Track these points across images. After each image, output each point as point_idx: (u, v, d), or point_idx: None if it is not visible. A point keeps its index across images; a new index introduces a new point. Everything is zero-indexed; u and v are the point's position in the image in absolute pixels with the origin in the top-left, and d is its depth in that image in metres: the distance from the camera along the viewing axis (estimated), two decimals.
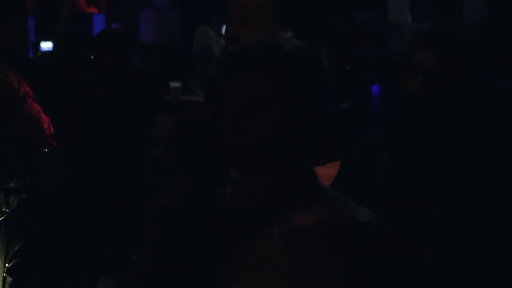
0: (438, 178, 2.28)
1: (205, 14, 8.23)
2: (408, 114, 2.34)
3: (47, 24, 8.58)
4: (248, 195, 1.67)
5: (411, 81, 2.33)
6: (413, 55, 2.35)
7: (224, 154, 1.65)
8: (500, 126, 2.40)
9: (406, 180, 2.31)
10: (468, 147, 2.32)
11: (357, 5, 7.10)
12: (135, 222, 3.00)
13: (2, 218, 3.06)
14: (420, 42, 2.36)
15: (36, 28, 8.83)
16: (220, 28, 7.95)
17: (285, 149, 1.63)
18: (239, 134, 1.62)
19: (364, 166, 2.45)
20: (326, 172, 2.40)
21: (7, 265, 3.04)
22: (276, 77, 1.63)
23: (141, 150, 3.10)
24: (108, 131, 4.55)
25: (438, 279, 2.16)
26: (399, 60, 2.43)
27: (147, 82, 4.91)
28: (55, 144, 3.21)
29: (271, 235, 1.59)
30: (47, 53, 7.92)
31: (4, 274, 3.05)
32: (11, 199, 3.06)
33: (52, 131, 3.20)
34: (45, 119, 3.18)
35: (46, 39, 8.14)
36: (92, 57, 4.99)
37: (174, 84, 6.81)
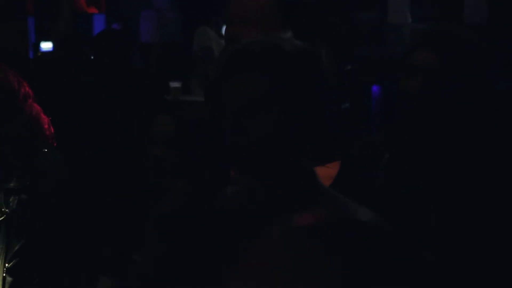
0: (438, 178, 2.28)
1: (205, 14, 8.23)
2: (408, 114, 2.34)
3: (47, 24, 8.58)
4: (248, 195, 1.67)
5: (411, 81, 2.32)
6: (413, 55, 2.34)
7: (224, 154, 1.65)
8: (500, 126, 2.39)
9: (406, 180, 2.31)
10: (468, 147, 2.32)
11: (357, 5, 7.10)
12: (135, 222, 3.00)
13: (2, 218, 3.06)
14: (420, 42, 2.36)
15: (36, 28, 8.83)
16: (220, 28, 7.95)
17: (285, 149, 1.63)
18: (239, 134, 1.62)
19: (364, 166, 2.45)
20: (326, 172, 2.40)
21: (7, 265, 3.04)
22: (276, 77, 1.63)
23: (141, 150, 3.10)
24: (108, 131, 4.55)
25: (438, 279, 2.16)
26: (399, 60, 2.43)
27: (147, 82, 4.91)
28: (55, 144, 3.21)
29: (271, 235, 1.59)
30: (47, 53, 7.92)
31: (4, 274, 3.05)
32: (11, 199, 3.06)
33: (52, 131, 3.20)
34: (45, 119, 3.18)
35: (46, 39, 8.14)
36: (92, 57, 4.99)
37: (174, 84, 6.81)
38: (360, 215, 1.63)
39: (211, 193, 1.75)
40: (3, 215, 3.06)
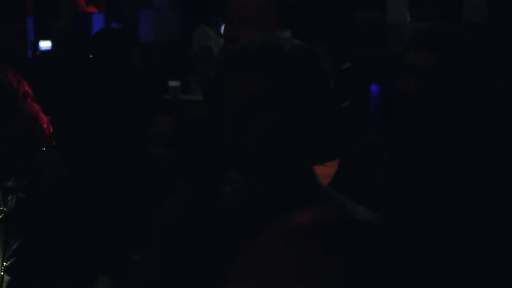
0: (438, 178, 2.28)
1: (205, 14, 8.23)
2: (408, 114, 2.34)
3: (46, 23, 8.58)
4: (248, 195, 1.67)
5: (407, 80, 2.32)
6: (408, 55, 2.34)
7: (223, 154, 1.65)
8: (499, 127, 2.40)
9: (406, 180, 2.31)
10: (468, 147, 2.31)
11: (357, 5, 7.10)
12: (133, 221, 3.00)
13: (0, 217, 3.06)
14: (415, 42, 2.36)
15: (35, 27, 8.83)
16: (220, 28, 7.95)
17: (285, 149, 1.63)
18: (238, 134, 1.61)
19: (363, 165, 2.45)
20: (325, 171, 2.40)
21: (4, 263, 3.04)
22: (275, 77, 1.62)
23: (140, 150, 3.10)
24: (107, 131, 4.55)
25: (438, 279, 2.16)
26: (397, 59, 2.43)
27: (146, 82, 4.91)
28: (54, 143, 3.21)
29: (271, 235, 1.58)
30: (45, 52, 7.92)
31: (2, 273, 3.04)
32: (9, 198, 3.06)
33: (51, 130, 3.20)
34: (44, 119, 3.18)
35: (45, 38, 8.14)
36: (91, 56, 4.99)
37: (173, 83, 6.80)
38: (360, 214, 1.63)
39: (211, 193, 1.75)
40: (1, 214, 3.06)
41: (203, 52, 7.61)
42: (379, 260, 1.57)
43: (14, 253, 3.05)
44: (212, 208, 1.72)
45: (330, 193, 1.70)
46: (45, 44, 8.11)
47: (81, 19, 8.90)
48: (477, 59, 2.33)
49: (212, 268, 1.64)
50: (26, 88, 3.18)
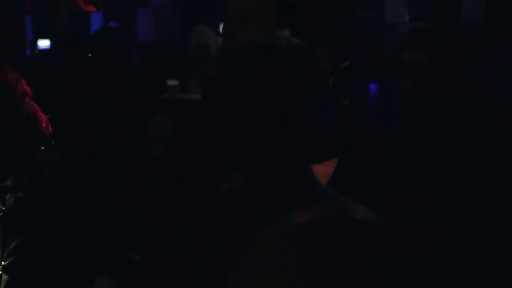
0: (438, 178, 2.28)
1: (203, 13, 8.22)
2: (407, 114, 2.34)
3: (45, 22, 8.57)
4: (248, 195, 1.67)
5: (403, 80, 2.32)
6: (403, 55, 2.34)
7: (222, 154, 1.64)
8: (499, 127, 2.39)
9: (406, 180, 2.31)
10: (467, 147, 2.31)
11: (357, 4, 7.09)
12: (132, 220, 3.00)
13: None
14: (409, 41, 2.36)
15: (34, 26, 8.81)
16: (218, 27, 7.93)
17: (285, 148, 1.62)
18: (237, 134, 1.61)
19: (362, 165, 2.44)
20: (323, 170, 2.40)
21: (3, 263, 3.03)
22: (274, 76, 1.62)
23: (140, 149, 3.09)
24: (106, 130, 4.55)
25: (438, 279, 2.16)
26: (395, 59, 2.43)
27: (145, 81, 4.91)
28: (53, 142, 3.21)
29: (271, 234, 1.58)
30: (44, 51, 7.91)
31: (0, 272, 3.04)
32: (7, 197, 3.06)
33: (50, 129, 3.19)
34: (43, 118, 3.18)
35: (43, 37, 8.13)
36: (89, 55, 4.99)
37: (172, 82, 6.80)
38: (359, 214, 1.63)
39: (211, 193, 1.74)
40: None
41: (202, 51, 7.60)
42: (379, 260, 1.57)
43: (12, 252, 3.04)
44: (212, 208, 1.71)
45: (329, 192, 1.70)
46: (43, 43, 8.11)
47: (80, 18, 8.89)
48: (475, 58, 2.33)
49: (212, 268, 1.63)
50: (25, 87, 3.18)
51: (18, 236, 3.04)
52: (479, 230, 2.23)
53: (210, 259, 1.64)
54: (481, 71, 2.36)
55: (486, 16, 6.84)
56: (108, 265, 3.03)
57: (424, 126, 2.31)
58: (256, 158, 1.61)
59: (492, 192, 2.27)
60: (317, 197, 1.66)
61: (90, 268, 3.14)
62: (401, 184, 2.31)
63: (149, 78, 5.36)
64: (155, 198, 2.86)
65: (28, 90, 3.19)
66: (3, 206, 3.05)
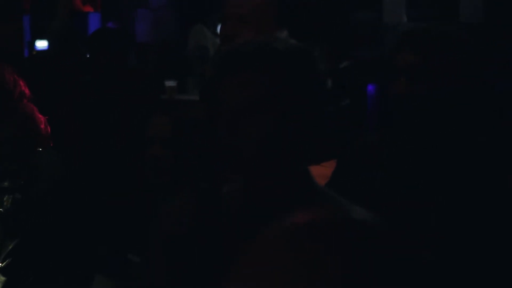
0: (438, 178, 2.28)
1: (202, 14, 8.22)
2: (406, 114, 2.34)
3: (43, 23, 8.56)
4: (246, 196, 1.66)
5: (397, 81, 2.33)
6: (396, 56, 2.35)
7: (219, 155, 1.64)
8: (499, 127, 2.39)
9: (406, 180, 2.31)
10: (467, 147, 2.31)
11: (356, 5, 7.09)
12: (130, 221, 3.00)
13: None
14: (401, 43, 2.36)
15: (31, 27, 8.81)
16: (216, 28, 7.93)
17: (283, 150, 1.62)
18: (235, 136, 1.61)
19: (361, 165, 2.44)
20: (321, 171, 2.39)
21: (0, 264, 3.03)
22: (270, 77, 1.61)
23: (138, 150, 3.09)
24: (105, 131, 4.54)
25: (438, 279, 2.16)
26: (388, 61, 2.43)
27: (143, 82, 4.90)
28: (51, 144, 3.21)
29: (271, 235, 1.58)
30: (42, 51, 7.90)
31: None
32: (5, 198, 3.06)
33: (49, 131, 3.19)
34: (41, 119, 3.18)
35: (41, 38, 8.12)
36: (88, 56, 4.98)
37: (170, 83, 6.80)
38: (357, 215, 1.63)
39: (211, 193, 1.74)
40: None
41: (200, 52, 7.60)
42: (378, 260, 1.57)
43: (10, 254, 3.04)
44: (211, 208, 1.71)
45: (327, 193, 1.70)
46: (41, 44, 8.10)
47: (78, 18, 8.88)
48: (470, 58, 2.33)
49: (212, 268, 1.63)
50: (23, 88, 3.18)
51: (16, 237, 3.04)
52: (479, 230, 2.23)
53: (210, 259, 1.64)
54: (478, 70, 2.36)
55: (484, 16, 6.84)
56: (106, 266, 3.02)
57: (423, 126, 2.31)
58: (254, 159, 1.61)
59: (492, 192, 2.27)
60: (316, 198, 1.65)
61: (89, 269, 3.14)
62: (401, 184, 2.31)
63: (147, 79, 5.35)
64: (154, 199, 2.86)
65: (27, 91, 3.19)
66: (0, 207, 3.05)
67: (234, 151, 1.61)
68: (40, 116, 3.18)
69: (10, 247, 3.04)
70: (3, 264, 3.03)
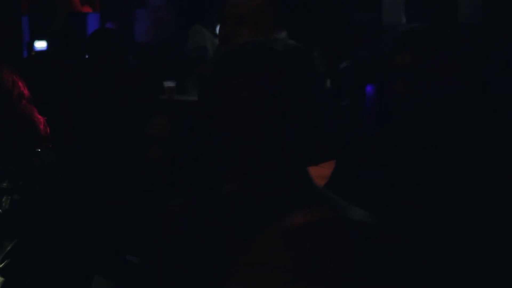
0: (438, 178, 2.28)
1: (201, 14, 8.22)
2: (407, 114, 2.34)
3: (42, 23, 8.56)
4: (246, 196, 1.66)
5: (394, 82, 2.33)
6: (394, 57, 2.35)
7: (218, 156, 1.64)
8: (499, 127, 2.39)
9: (406, 180, 2.31)
10: (467, 147, 2.31)
11: (356, 5, 7.10)
12: (129, 221, 2.99)
13: None
14: (398, 43, 2.36)
15: (30, 27, 8.81)
16: (215, 28, 7.94)
17: (283, 150, 1.62)
18: (234, 136, 1.60)
19: (361, 165, 2.44)
20: (320, 172, 2.39)
21: None
22: (270, 78, 1.61)
23: (137, 151, 3.09)
24: (103, 132, 4.54)
25: (438, 279, 2.16)
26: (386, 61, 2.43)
27: (142, 82, 4.90)
28: (50, 145, 3.21)
29: (271, 235, 1.58)
30: (41, 52, 7.90)
31: None
32: (3, 199, 3.05)
33: (48, 131, 3.19)
34: (40, 120, 3.17)
35: (40, 38, 8.12)
36: (86, 56, 4.98)
37: (169, 84, 6.80)
38: (356, 215, 1.63)
39: (210, 193, 1.74)
40: None
41: (198, 52, 7.60)
42: (378, 260, 1.57)
43: (8, 255, 3.04)
44: (211, 209, 1.71)
45: (326, 194, 1.70)
46: (40, 44, 8.10)
47: (76, 19, 8.88)
48: (468, 58, 2.33)
49: (212, 269, 1.63)
50: (22, 89, 3.18)
51: (14, 238, 3.04)
52: (479, 230, 2.23)
53: (210, 259, 1.64)
54: (478, 71, 2.36)
55: (483, 16, 6.85)
56: (105, 266, 3.02)
57: (423, 126, 2.31)
58: (253, 160, 1.61)
59: (492, 192, 2.27)
60: (315, 198, 1.65)
61: (87, 269, 3.13)
62: (401, 184, 2.31)
63: (146, 80, 5.36)
64: (153, 199, 2.86)
65: (25, 92, 3.18)
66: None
67: (234, 152, 1.60)
68: (39, 116, 3.18)
69: (9, 248, 3.04)
70: (2, 264, 3.03)
